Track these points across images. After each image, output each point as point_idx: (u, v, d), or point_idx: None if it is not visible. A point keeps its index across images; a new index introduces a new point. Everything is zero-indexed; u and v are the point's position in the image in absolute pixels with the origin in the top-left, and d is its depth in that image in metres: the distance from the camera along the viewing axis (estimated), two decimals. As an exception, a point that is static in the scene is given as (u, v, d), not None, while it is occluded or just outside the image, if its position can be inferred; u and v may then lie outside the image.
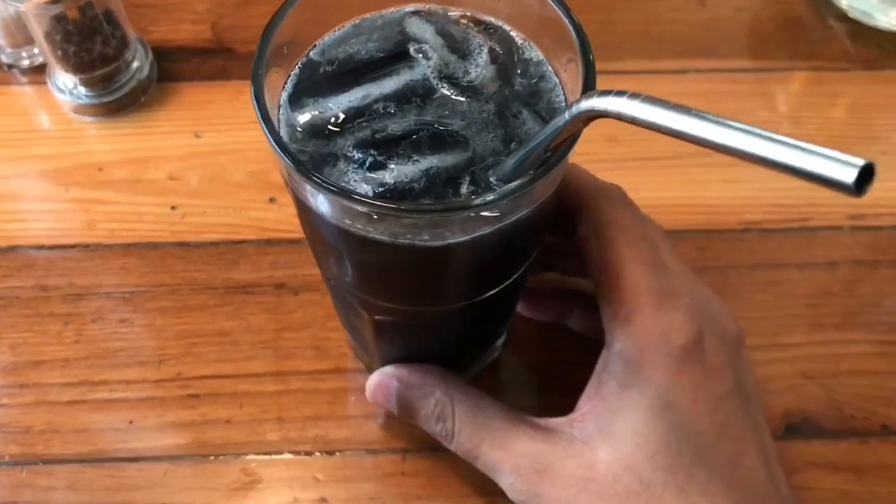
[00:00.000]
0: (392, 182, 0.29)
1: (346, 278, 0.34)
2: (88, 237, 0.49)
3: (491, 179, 0.29)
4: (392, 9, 0.34)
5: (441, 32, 0.33)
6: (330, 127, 0.31)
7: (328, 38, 0.34)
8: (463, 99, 0.31)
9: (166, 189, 0.51)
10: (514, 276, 0.35)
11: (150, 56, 0.55)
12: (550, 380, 0.45)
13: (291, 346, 0.45)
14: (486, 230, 0.29)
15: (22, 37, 0.54)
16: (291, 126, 0.31)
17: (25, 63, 0.56)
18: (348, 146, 0.30)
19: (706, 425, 0.32)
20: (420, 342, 0.39)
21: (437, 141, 0.30)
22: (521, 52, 0.33)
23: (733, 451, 0.32)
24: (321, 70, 0.33)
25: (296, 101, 0.32)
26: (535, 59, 0.33)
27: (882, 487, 0.41)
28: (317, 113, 0.31)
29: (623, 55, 0.57)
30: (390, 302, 0.35)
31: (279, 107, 0.32)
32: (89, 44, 0.51)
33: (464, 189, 0.29)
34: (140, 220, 0.50)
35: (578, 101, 0.26)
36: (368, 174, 0.29)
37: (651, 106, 0.24)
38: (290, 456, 0.42)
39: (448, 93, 0.31)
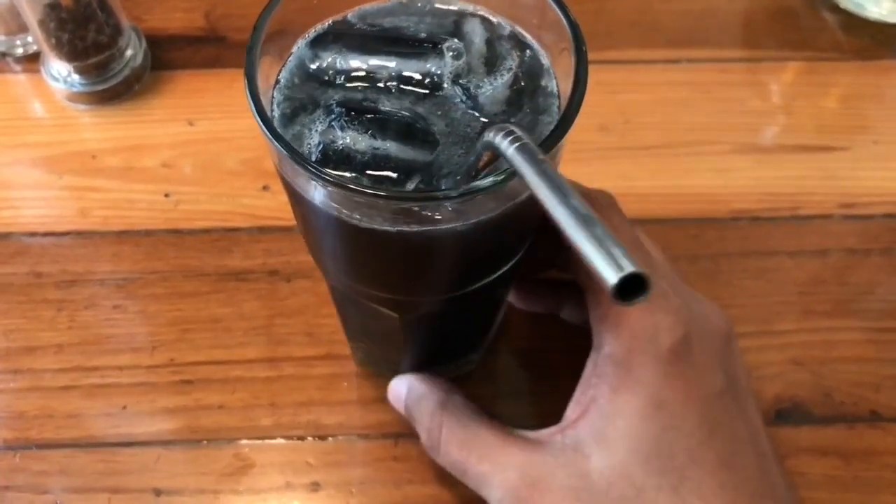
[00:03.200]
0: (340, 146, 0.29)
1: (338, 266, 0.35)
2: (82, 224, 0.49)
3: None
4: (457, 7, 0.34)
5: (489, 42, 0.33)
6: (331, 75, 0.31)
7: (370, 6, 0.34)
8: (461, 107, 0.31)
9: (159, 176, 0.51)
10: (501, 271, 0.35)
11: (144, 44, 0.55)
12: (542, 372, 0.45)
13: (284, 332, 0.45)
14: (465, 222, 0.29)
15: (15, 24, 0.54)
16: (301, 70, 0.32)
17: (19, 51, 0.56)
18: (334, 98, 0.31)
19: (697, 425, 0.32)
20: (405, 334, 0.39)
21: (408, 132, 0.30)
22: (543, 84, 0.32)
23: (726, 451, 0.32)
24: (355, 26, 0.33)
25: (318, 42, 0.32)
26: (550, 91, 0.32)
27: (870, 472, 0.42)
28: (329, 61, 0.32)
29: (615, 44, 0.57)
30: (377, 290, 0.35)
31: (290, 57, 0.32)
32: (83, 32, 0.51)
33: (409, 185, 0.29)
34: (133, 207, 0.50)
35: (484, 133, 0.26)
36: (327, 129, 0.30)
37: (519, 155, 0.25)
38: (282, 441, 0.42)
39: (452, 96, 0.31)
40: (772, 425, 0.43)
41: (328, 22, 0.33)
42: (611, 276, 0.21)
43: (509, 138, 0.25)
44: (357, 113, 0.30)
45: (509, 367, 0.45)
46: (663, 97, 0.55)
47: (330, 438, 0.42)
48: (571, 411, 0.34)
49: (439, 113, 0.31)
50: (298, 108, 0.31)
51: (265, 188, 0.50)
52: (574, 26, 0.30)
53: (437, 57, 0.32)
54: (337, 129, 0.30)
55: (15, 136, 0.53)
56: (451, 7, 0.34)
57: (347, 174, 0.29)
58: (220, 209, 0.50)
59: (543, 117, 0.31)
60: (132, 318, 0.46)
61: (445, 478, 0.41)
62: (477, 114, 0.31)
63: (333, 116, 0.31)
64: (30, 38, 0.55)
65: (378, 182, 0.29)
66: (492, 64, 0.32)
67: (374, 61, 0.32)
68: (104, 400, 0.43)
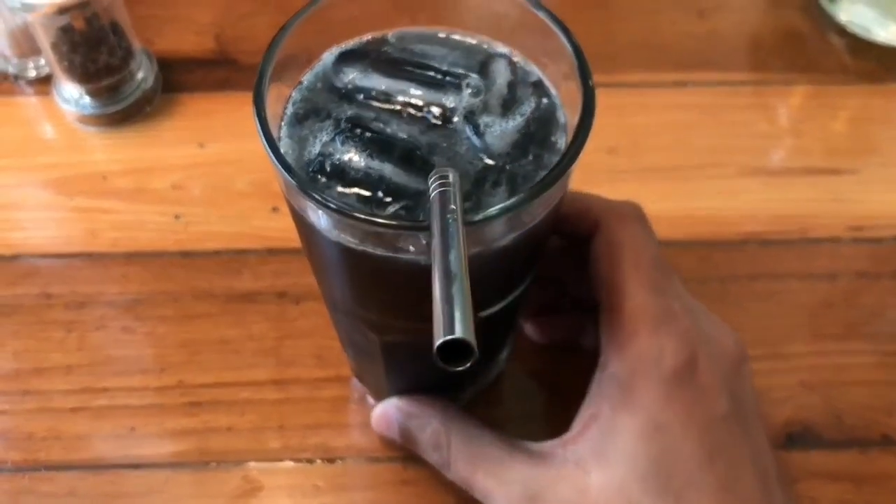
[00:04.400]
0: (336, 159, 0.30)
1: (342, 293, 0.35)
2: (92, 246, 0.49)
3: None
4: (490, 46, 0.34)
5: (511, 84, 0.33)
6: (349, 89, 0.32)
7: (407, 30, 0.34)
8: (466, 143, 0.31)
9: (170, 198, 0.51)
10: (511, 298, 0.35)
11: (155, 67, 0.55)
12: (552, 400, 0.45)
13: (292, 354, 0.45)
14: (476, 249, 0.29)
15: (28, 47, 0.55)
16: (324, 77, 0.32)
17: (32, 74, 0.56)
18: (345, 112, 0.31)
19: (698, 447, 0.32)
20: (421, 362, 0.39)
21: (406, 158, 0.30)
22: (553, 139, 0.32)
23: (727, 475, 0.32)
24: (388, 46, 0.34)
25: (347, 54, 0.33)
26: (558, 148, 0.31)
27: (882, 497, 0.41)
28: (352, 75, 0.32)
29: (623, 67, 0.57)
30: (379, 316, 0.35)
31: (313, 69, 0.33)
32: (95, 54, 0.51)
33: (389, 209, 0.29)
34: (143, 228, 0.50)
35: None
36: (331, 140, 0.30)
37: (436, 198, 0.26)
38: (291, 463, 0.42)
39: (460, 131, 0.31)
40: (782, 449, 0.42)
41: (367, 37, 0.34)
42: (438, 335, 0.21)
43: (438, 181, 0.26)
44: (362, 130, 0.31)
45: (518, 389, 0.45)
46: (671, 120, 0.55)
47: (339, 461, 0.42)
48: (575, 426, 0.34)
49: (444, 145, 0.31)
50: (311, 112, 0.32)
51: (274, 210, 0.50)
52: (589, 97, 0.29)
53: (455, 90, 0.32)
54: (338, 143, 0.31)
55: (26, 158, 0.53)
56: (484, 45, 0.34)
57: (339, 187, 0.29)
58: (229, 230, 0.50)
59: (542, 172, 0.31)
60: (141, 339, 0.46)
61: (454, 503, 0.41)
62: (480, 152, 0.31)
63: (339, 130, 0.31)
64: (42, 61, 0.55)
65: (363, 200, 0.29)
66: (508, 107, 0.32)
67: (394, 84, 0.32)
68: (113, 421, 0.43)
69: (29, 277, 0.48)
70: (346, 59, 0.33)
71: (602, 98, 0.29)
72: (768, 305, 0.47)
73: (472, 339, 0.21)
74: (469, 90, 0.32)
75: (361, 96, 0.32)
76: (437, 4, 0.34)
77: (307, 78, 0.33)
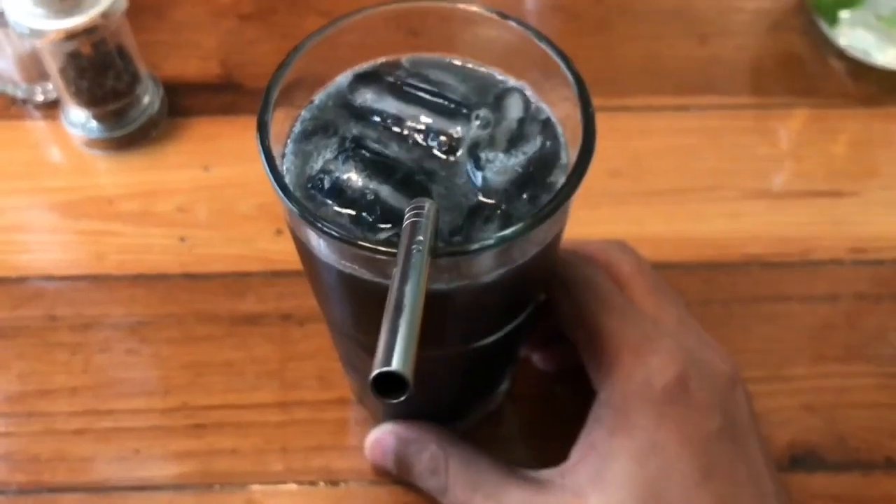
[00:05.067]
0: (335, 177, 0.30)
1: (340, 315, 0.35)
2: (97, 268, 0.49)
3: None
4: (504, 78, 0.34)
5: (521, 121, 0.32)
6: (359, 109, 0.32)
7: (422, 56, 0.34)
8: (466, 176, 0.31)
9: (175, 221, 0.51)
10: (514, 324, 0.35)
11: (161, 91, 0.56)
12: (551, 429, 0.44)
13: (296, 376, 0.45)
14: (464, 282, 0.29)
15: (36, 72, 0.55)
16: (337, 97, 0.33)
17: (39, 98, 0.57)
18: (352, 131, 0.32)
19: (694, 467, 0.32)
20: (418, 389, 0.39)
21: (404, 183, 0.30)
22: (552, 179, 0.31)
23: (724, 492, 0.32)
24: (401, 70, 0.34)
25: (362, 77, 0.34)
26: (556, 188, 0.31)
27: (886, 520, 0.41)
28: (364, 96, 0.33)
29: (625, 91, 0.58)
30: (373, 339, 0.35)
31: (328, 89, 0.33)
32: (102, 79, 0.52)
33: (381, 235, 0.29)
34: (148, 251, 0.50)
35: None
36: (333, 158, 0.31)
37: (406, 226, 0.26)
38: (294, 486, 0.42)
39: (463, 163, 0.31)
40: (785, 472, 0.42)
41: (380, 60, 0.34)
42: (376, 365, 0.22)
43: (413, 211, 0.26)
44: (365, 150, 0.31)
45: (518, 411, 0.45)
46: (673, 143, 0.55)
47: (342, 484, 0.42)
48: (573, 455, 0.35)
49: (444, 174, 0.31)
50: (319, 129, 0.32)
51: (278, 232, 0.51)
52: (590, 123, 0.30)
53: (464, 121, 0.32)
54: (340, 161, 0.31)
55: (33, 181, 0.54)
56: (499, 76, 0.34)
57: (335, 206, 0.30)
58: (233, 253, 0.50)
59: (533, 209, 0.31)
60: (146, 361, 0.46)
61: (457, 524, 0.41)
62: (477, 187, 0.31)
63: (343, 148, 0.31)
64: (50, 86, 0.56)
65: (355, 221, 0.29)
66: (514, 143, 0.32)
67: (404, 108, 0.32)
68: (117, 444, 0.43)
69: (35, 299, 0.48)
70: (361, 80, 0.34)
71: (605, 122, 0.29)
72: (770, 327, 0.48)
73: (407, 373, 0.21)
74: (478, 122, 0.32)
75: (371, 117, 0.32)
76: (433, 30, 0.34)
77: (319, 97, 0.33)
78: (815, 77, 0.59)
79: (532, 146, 0.32)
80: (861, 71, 0.59)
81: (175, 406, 0.45)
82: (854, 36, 0.59)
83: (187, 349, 0.46)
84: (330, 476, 0.42)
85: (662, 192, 0.53)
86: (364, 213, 0.29)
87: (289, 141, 0.32)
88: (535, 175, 0.31)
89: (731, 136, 0.56)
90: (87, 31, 0.49)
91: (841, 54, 0.60)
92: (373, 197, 0.30)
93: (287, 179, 0.31)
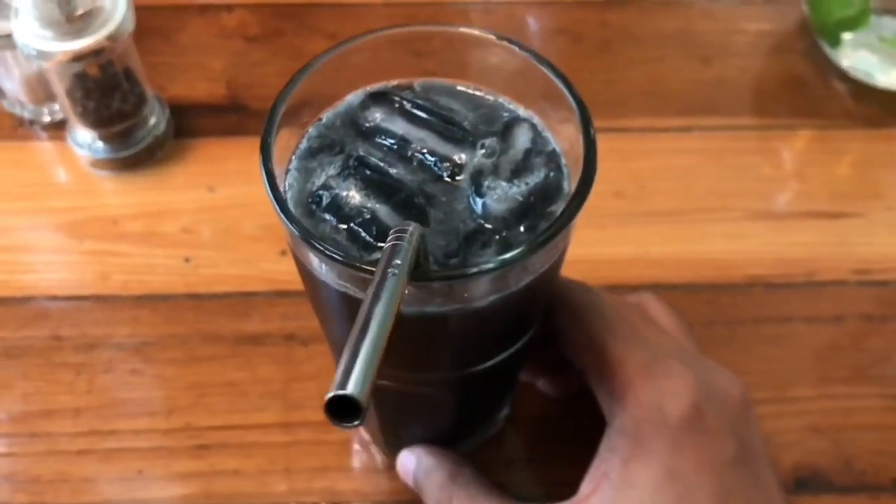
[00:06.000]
0: (334, 194, 0.30)
1: (343, 338, 0.35)
2: (102, 289, 0.50)
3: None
4: (513, 108, 0.34)
5: (527, 152, 0.32)
6: (366, 129, 0.33)
7: (437, 81, 0.35)
8: (465, 202, 0.31)
9: (180, 241, 0.52)
10: (511, 350, 0.35)
11: (167, 112, 0.56)
12: (554, 451, 0.44)
13: (300, 396, 0.45)
14: (455, 307, 0.29)
15: (43, 93, 0.56)
16: (345, 116, 0.33)
17: (46, 119, 0.57)
18: (356, 150, 0.32)
19: (711, 494, 0.32)
20: (415, 411, 0.39)
21: (403, 204, 0.30)
22: (552, 209, 0.31)
23: None
24: (412, 93, 0.34)
25: (372, 97, 0.34)
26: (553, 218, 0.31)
27: (893, 543, 0.41)
28: (372, 116, 0.33)
29: (628, 112, 0.58)
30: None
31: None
32: (108, 100, 0.52)
33: (376, 254, 0.29)
34: (153, 272, 0.50)
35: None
36: (336, 175, 0.31)
37: (387, 248, 0.26)
38: (297, 507, 0.42)
39: (464, 189, 0.31)
40: (791, 494, 0.42)
41: (393, 82, 0.34)
42: (332, 388, 0.21)
43: (395, 234, 0.26)
44: (368, 169, 0.31)
45: (519, 433, 0.45)
46: (676, 164, 0.55)
47: (345, 505, 0.42)
48: (585, 486, 0.34)
49: (444, 199, 0.31)
50: (325, 147, 0.32)
51: (283, 253, 0.51)
52: (591, 148, 0.30)
53: (469, 148, 0.32)
54: (342, 178, 0.31)
55: (39, 202, 0.54)
56: (511, 106, 0.34)
57: (333, 222, 0.30)
58: (238, 273, 0.50)
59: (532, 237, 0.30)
60: (149, 381, 0.46)
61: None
62: (478, 213, 0.31)
63: (347, 166, 0.31)
64: (56, 107, 0.56)
65: (352, 239, 0.30)
66: (517, 173, 0.32)
67: (411, 130, 0.32)
68: (120, 464, 0.43)
69: (39, 319, 0.48)
70: (373, 100, 0.34)
71: (608, 143, 0.30)
72: (774, 349, 0.47)
73: (362, 398, 0.21)
74: (483, 150, 0.32)
75: (378, 137, 0.33)
76: (437, 53, 0.34)
77: (327, 115, 0.34)
78: (818, 98, 0.59)
79: (535, 177, 0.32)
80: (864, 92, 0.59)
81: (178, 426, 0.44)
82: (857, 57, 0.59)
83: (191, 369, 0.46)
84: (333, 497, 0.42)
85: (665, 212, 0.53)
86: (361, 232, 0.30)
87: (294, 157, 0.32)
88: (535, 205, 0.31)
89: (734, 157, 0.56)
90: (94, 53, 0.49)
91: (844, 76, 0.60)
92: (370, 216, 0.30)
93: (289, 195, 0.31)
